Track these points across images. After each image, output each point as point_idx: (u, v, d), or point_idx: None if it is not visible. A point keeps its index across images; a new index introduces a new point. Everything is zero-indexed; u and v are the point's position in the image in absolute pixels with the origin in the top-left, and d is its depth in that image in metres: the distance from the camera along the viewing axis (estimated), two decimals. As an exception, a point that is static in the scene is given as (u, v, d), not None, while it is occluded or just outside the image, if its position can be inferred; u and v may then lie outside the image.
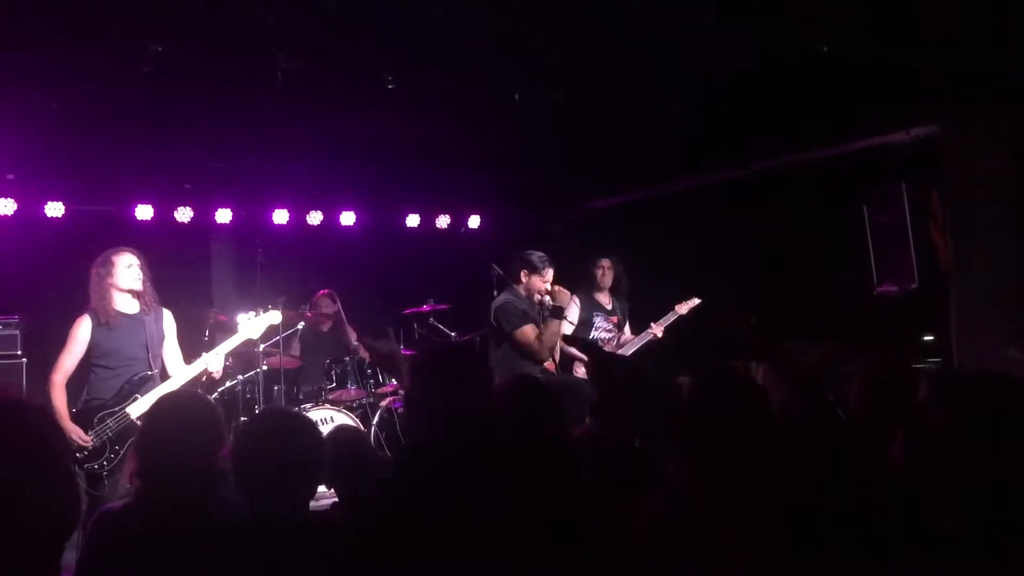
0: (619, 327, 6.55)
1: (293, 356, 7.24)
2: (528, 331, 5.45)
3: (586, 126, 6.48)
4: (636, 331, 6.62)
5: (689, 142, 6.69)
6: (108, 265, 4.84)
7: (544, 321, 5.56)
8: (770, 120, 6.00)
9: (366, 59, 5.05)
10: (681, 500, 1.95)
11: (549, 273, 5.70)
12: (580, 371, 6.25)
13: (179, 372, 4.92)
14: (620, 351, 6.37)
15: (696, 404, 2.40)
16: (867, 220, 6.21)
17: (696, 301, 6.67)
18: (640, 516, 2.17)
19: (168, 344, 5.00)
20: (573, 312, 6.14)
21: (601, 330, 6.46)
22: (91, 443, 4.61)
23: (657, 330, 6.48)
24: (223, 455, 2.21)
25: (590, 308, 6.38)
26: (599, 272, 6.56)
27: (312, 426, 2.26)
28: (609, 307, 6.55)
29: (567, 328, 5.98)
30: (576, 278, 6.39)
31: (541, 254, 5.76)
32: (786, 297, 6.66)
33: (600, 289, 6.57)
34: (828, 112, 5.79)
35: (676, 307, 6.62)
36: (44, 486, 1.49)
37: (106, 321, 4.78)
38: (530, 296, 5.70)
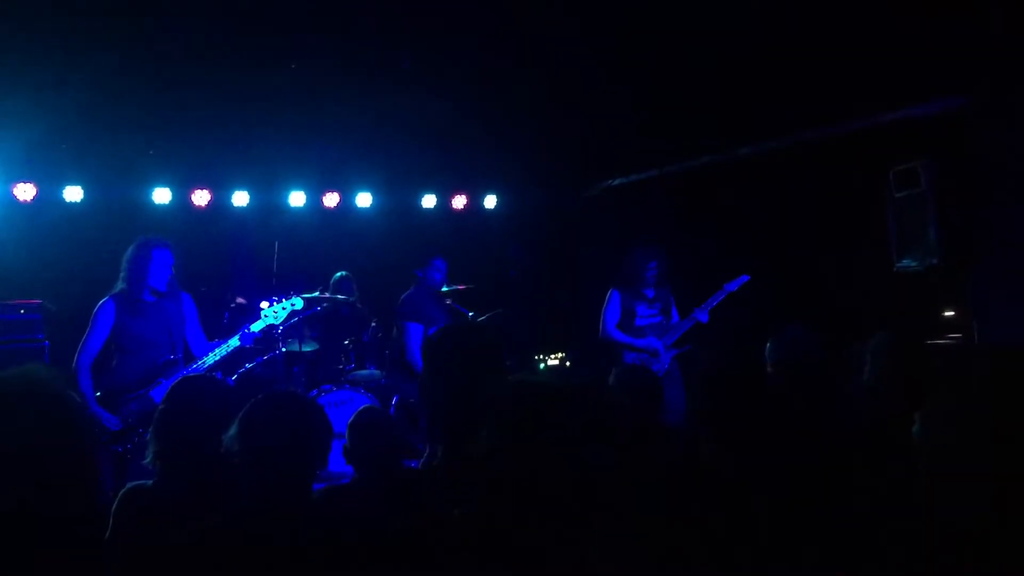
0: (665, 313, 6.21)
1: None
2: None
3: (604, 103, 6.44)
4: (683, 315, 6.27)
5: (706, 118, 6.62)
6: (146, 258, 4.88)
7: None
8: (788, 94, 5.92)
9: (382, 38, 5.04)
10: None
11: (440, 263, 6.36)
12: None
13: (207, 353, 4.99)
14: (663, 339, 6.09)
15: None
16: (889, 195, 6.13)
17: (745, 278, 6.20)
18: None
19: (190, 327, 5.06)
20: (614, 304, 6.04)
21: (645, 318, 6.16)
22: (117, 426, 4.67)
23: (701, 316, 6.13)
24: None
25: (631, 298, 6.12)
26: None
27: (315, 407, 2.29)
28: (651, 295, 6.20)
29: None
30: (606, 264, 6.29)
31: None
32: (806, 272, 6.60)
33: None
34: (850, 85, 5.70)
35: (724, 286, 6.19)
36: (66, 465, 1.51)
37: (129, 305, 4.83)
38: (437, 290, 6.28)
